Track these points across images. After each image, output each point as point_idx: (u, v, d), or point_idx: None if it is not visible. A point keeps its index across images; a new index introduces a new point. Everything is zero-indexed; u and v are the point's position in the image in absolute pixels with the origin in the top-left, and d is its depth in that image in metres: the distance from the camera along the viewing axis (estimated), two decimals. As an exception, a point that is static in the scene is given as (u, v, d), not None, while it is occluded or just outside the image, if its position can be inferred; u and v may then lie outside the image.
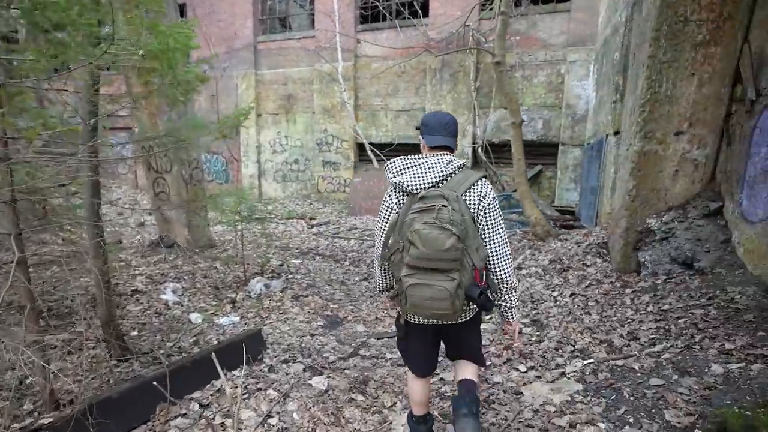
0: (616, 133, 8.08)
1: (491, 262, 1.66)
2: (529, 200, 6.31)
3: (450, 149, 1.74)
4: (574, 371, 2.63)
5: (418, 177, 1.62)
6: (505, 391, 2.56)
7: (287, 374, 2.83)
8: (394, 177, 1.67)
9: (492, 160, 12.21)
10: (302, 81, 14.24)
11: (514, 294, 1.77)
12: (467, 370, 1.88)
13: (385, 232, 1.69)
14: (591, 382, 2.45)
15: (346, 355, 3.29)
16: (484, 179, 1.69)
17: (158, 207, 6.49)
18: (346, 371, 2.98)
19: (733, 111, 3.74)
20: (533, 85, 11.73)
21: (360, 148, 13.72)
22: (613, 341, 2.93)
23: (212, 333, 3.61)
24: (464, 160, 2.01)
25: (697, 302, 3.13)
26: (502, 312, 1.81)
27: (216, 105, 15.14)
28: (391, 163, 1.72)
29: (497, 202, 1.70)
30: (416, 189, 1.61)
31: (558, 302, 4.10)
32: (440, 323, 1.72)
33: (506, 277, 1.69)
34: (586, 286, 4.31)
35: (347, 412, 2.42)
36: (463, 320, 1.74)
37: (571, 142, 11.43)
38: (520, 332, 2.06)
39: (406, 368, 2.00)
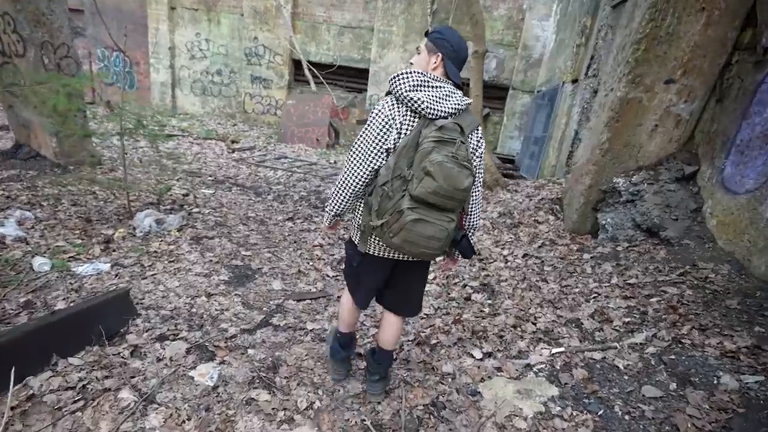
0: (574, 81, 7.62)
1: (473, 204, 1.68)
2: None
3: (460, 87, 1.59)
4: (542, 363, 2.12)
5: (439, 101, 1.45)
6: (458, 390, 1.99)
7: (159, 360, 1.99)
8: (410, 91, 1.44)
9: (440, 97, 11.34)
10: (229, -29, 11.72)
11: (474, 237, 1.78)
12: (392, 334, 1.86)
13: (379, 153, 1.50)
14: (567, 384, 1.95)
15: (253, 326, 2.51)
16: (479, 126, 1.61)
17: (9, 105, 4.80)
18: (249, 351, 2.21)
19: (733, 61, 3.23)
20: (493, 18, 10.74)
21: (296, 65, 12.00)
22: (582, 322, 2.48)
23: (61, 288, 2.57)
24: (471, 99, 1.69)
25: (667, 277, 2.77)
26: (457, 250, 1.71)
27: (114, -15, 12.10)
28: (405, 75, 1.47)
29: None
30: (435, 114, 1.45)
31: (509, 263, 3.62)
32: (401, 258, 1.66)
33: (476, 222, 1.74)
34: (539, 246, 3.87)
35: (241, 424, 1.68)
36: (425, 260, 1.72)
37: (522, 87, 10.90)
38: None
39: (344, 292, 1.94)
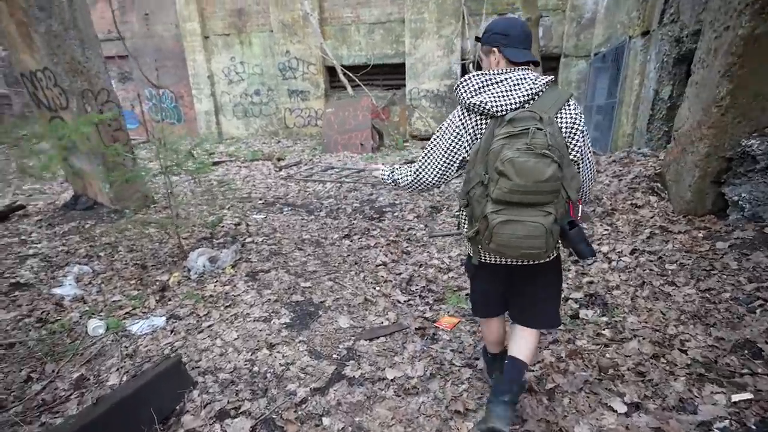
0: (645, 33, 6.58)
1: (585, 189, 1.62)
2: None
3: (537, 64, 1.50)
4: (724, 419, 1.50)
5: (504, 96, 1.36)
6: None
7: (220, 450, 1.64)
8: (472, 97, 1.39)
9: (485, 79, 10.53)
10: (253, -10, 11.72)
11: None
12: (523, 346, 1.64)
13: (449, 161, 1.50)
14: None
15: (324, 382, 2.11)
16: (573, 98, 1.45)
17: (63, 158, 4.88)
18: (324, 421, 1.81)
19: None
20: (533, -18, 9.73)
21: (330, 72, 11.76)
22: (761, 347, 1.80)
23: (116, 355, 2.34)
24: (551, 76, 1.49)
25: None
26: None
27: (148, 26, 12.60)
28: (465, 81, 1.42)
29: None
30: (502, 110, 1.35)
31: (615, 263, 2.95)
32: (516, 264, 1.54)
33: (587, 196, 1.69)
34: (648, 238, 3.16)
35: None
36: (544, 261, 1.53)
37: (576, 52, 9.82)
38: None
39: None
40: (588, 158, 1.51)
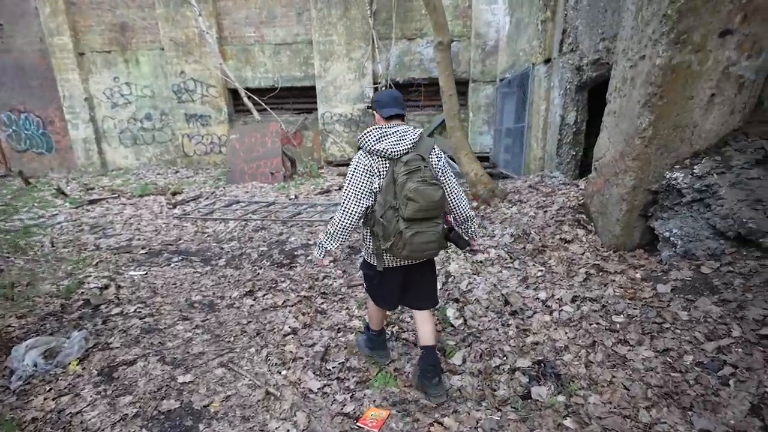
0: (547, 61, 6.84)
1: (455, 204, 2.11)
2: (467, 150, 4.72)
3: (402, 117, 2.04)
4: None
5: (397, 144, 1.88)
6: None
7: None
8: (375, 144, 1.89)
9: (398, 103, 10.36)
10: (139, 3, 10.41)
11: (475, 222, 2.23)
12: (427, 330, 2.19)
13: (365, 193, 1.93)
14: None
15: None
16: (435, 144, 2.05)
17: None
18: None
19: (808, -7, 2.37)
20: (438, 10, 9.90)
21: (234, 94, 10.78)
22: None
23: None
24: (422, 129, 2.55)
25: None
26: (469, 235, 2.22)
27: (3, 38, 10.55)
28: (368, 133, 1.92)
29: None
30: (397, 154, 1.87)
31: (558, 316, 2.61)
32: (411, 263, 2.08)
33: (466, 212, 2.15)
34: (585, 279, 2.89)
35: None
36: (430, 258, 2.16)
37: (482, 78, 10.14)
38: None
39: (369, 301, 2.37)
40: (452, 181, 2.06)
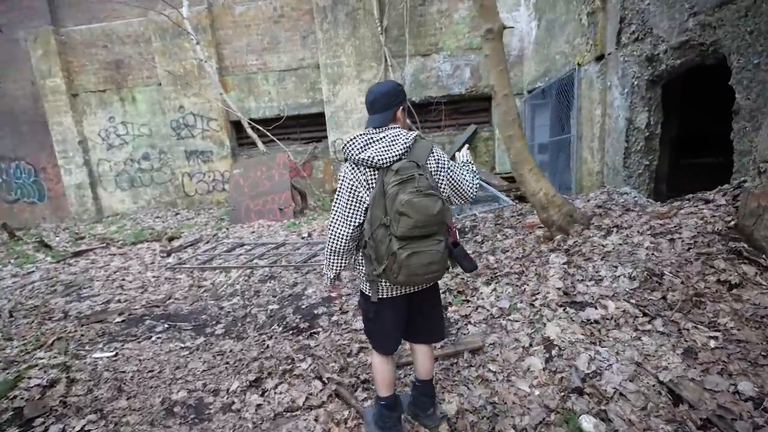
0: (599, 58, 5.84)
1: (459, 189, 1.79)
2: (531, 165, 3.62)
3: (384, 125, 1.69)
4: None
5: (386, 151, 1.60)
6: None
7: None
8: (360, 153, 1.61)
9: (417, 125, 9.46)
10: (135, 38, 9.83)
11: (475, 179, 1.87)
12: (428, 366, 1.92)
13: (354, 210, 1.66)
14: None
15: None
16: (436, 146, 1.75)
17: None
18: None
19: None
20: (453, 22, 9.16)
21: (237, 127, 9.97)
22: None
23: None
24: (417, 131, 1.89)
25: None
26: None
27: (-8, 83, 9.97)
28: (351, 141, 1.66)
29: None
30: (386, 162, 1.59)
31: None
32: (412, 291, 1.76)
33: (472, 191, 1.83)
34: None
35: None
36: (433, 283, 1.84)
37: (507, 91, 9.17)
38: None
39: (373, 355, 1.92)
40: (459, 171, 1.80)
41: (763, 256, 2.32)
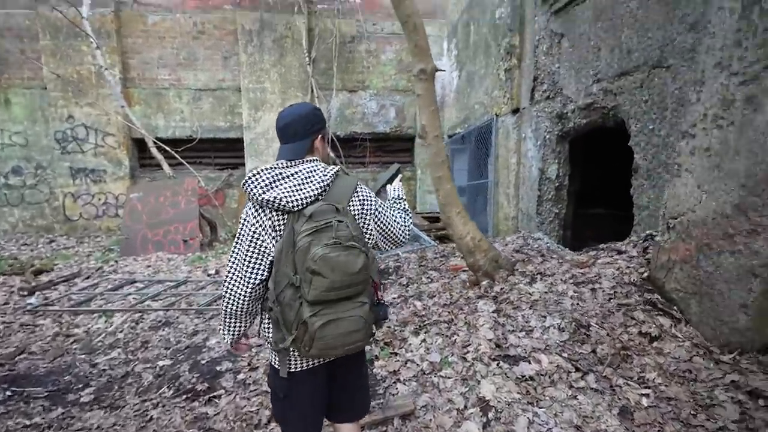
0: (515, 111, 6.28)
1: (401, 237, 1.58)
2: (459, 208, 3.59)
3: (300, 156, 1.37)
4: None
5: (297, 190, 1.29)
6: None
7: None
8: (264, 193, 1.27)
9: (341, 159, 9.31)
10: (17, 32, 8.43)
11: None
12: None
13: (255, 264, 1.32)
14: None
15: None
16: (360, 183, 1.47)
17: None
18: None
19: None
20: (380, 62, 9.40)
21: (140, 145, 8.89)
22: None
23: None
24: (338, 166, 1.46)
25: None
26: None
27: None
28: (254, 177, 1.29)
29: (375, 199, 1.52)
30: (298, 205, 1.27)
31: None
32: (329, 361, 1.43)
33: (404, 235, 1.61)
34: (742, 416, 1.71)
35: None
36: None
37: (430, 133, 9.52)
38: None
39: None
40: (389, 212, 1.55)
41: (674, 308, 2.44)
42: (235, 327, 1.44)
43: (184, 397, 2.67)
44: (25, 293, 5.01)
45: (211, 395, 2.65)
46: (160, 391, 2.77)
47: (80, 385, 2.93)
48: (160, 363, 3.17)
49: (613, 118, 4.11)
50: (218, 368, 2.99)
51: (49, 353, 3.45)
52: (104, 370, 3.14)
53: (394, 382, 2.52)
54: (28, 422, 2.47)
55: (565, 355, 2.31)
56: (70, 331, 3.92)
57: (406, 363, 2.66)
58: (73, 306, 4.46)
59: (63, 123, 8.50)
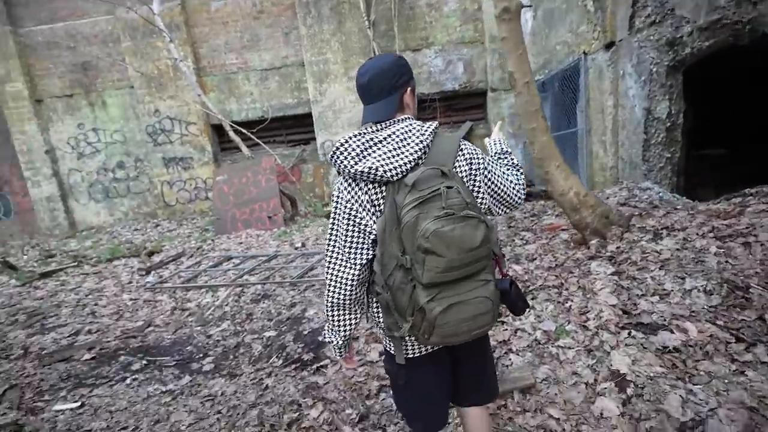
0: (609, 45, 5.50)
1: (517, 199, 1.33)
2: (558, 161, 3.20)
3: (389, 116, 1.16)
4: None
5: (393, 156, 1.09)
6: None
7: None
8: (357, 164, 1.09)
9: (409, 123, 8.97)
10: (102, 38, 9.14)
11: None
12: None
13: (357, 245, 1.15)
14: None
15: None
16: (464, 139, 1.24)
17: None
18: None
19: None
20: (443, 15, 8.76)
21: (218, 130, 9.36)
22: None
23: None
24: (436, 122, 1.22)
25: None
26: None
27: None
28: (342, 148, 1.11)
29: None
30: (396, 174, 1.08)
31: None
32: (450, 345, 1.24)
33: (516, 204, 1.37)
34: None
35: None
36: None
37: (503, 86, 8.82)
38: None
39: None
40: (502, 172, 1.31)
41: None
42: (343, 322, 1.26)
43: (293, 366, 2.76)
44: (143, 273, 5.60)
45: (318, 365, 2.71)
46: (271, 360, 2.89)
47: (200, 355, 3.17)
48: (266, 334, 3.32)
49: (749, 34, 3.36)
50: (320, 338, 3.05)
51: (171, 326, 3.79)
52: (218, 340, 3.38)
53: (506, 353, 2.35)
54: (163, 388, 2.72)
55: (720, 322, 1.95)
56: (184, 305, 4.28)
57: (516, 332, 2.47)
58: (183, 283, 4.88)
59: (151, 117, 9.19)
